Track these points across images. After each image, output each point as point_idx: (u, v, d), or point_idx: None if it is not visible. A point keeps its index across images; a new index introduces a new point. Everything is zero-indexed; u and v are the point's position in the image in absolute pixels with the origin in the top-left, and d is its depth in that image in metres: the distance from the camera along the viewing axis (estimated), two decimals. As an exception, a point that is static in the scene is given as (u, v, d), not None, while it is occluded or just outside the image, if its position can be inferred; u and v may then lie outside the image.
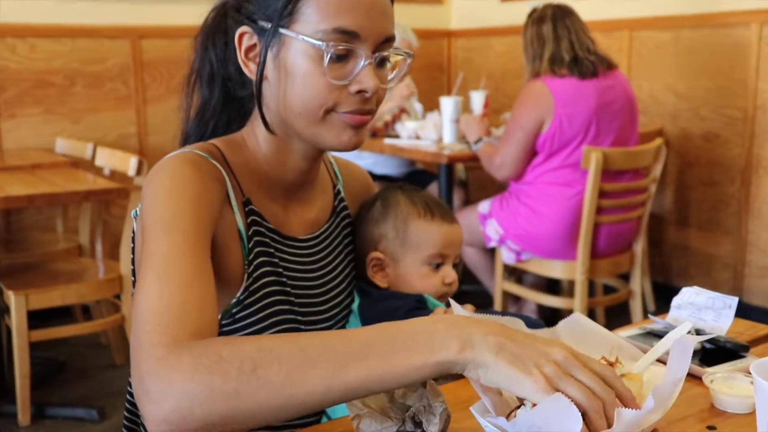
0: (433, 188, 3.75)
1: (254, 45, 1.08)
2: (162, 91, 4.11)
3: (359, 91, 1.05)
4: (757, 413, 0.77)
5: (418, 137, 3.61)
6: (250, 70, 1.09)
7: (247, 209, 1.11)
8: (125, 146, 3.92)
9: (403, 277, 1.28)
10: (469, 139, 3.32)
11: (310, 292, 1.19)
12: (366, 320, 1.22)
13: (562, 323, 1.04)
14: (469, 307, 1.18)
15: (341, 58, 1.03)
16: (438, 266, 1.28)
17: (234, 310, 1.09)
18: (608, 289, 3.79)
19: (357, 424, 0.91)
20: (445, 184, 3.42)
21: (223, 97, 1.17)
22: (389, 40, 1.07)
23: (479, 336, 0.78)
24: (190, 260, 0.93)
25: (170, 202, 0.99)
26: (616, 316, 3.63)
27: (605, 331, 1.03)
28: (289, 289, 1.16)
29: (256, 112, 1.13)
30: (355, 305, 1.26)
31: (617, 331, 1.19)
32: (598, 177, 2.94)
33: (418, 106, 3.92)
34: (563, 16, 3.05)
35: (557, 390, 0.74)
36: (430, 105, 4.15)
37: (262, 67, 1.07)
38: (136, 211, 1.11)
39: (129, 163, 2.98)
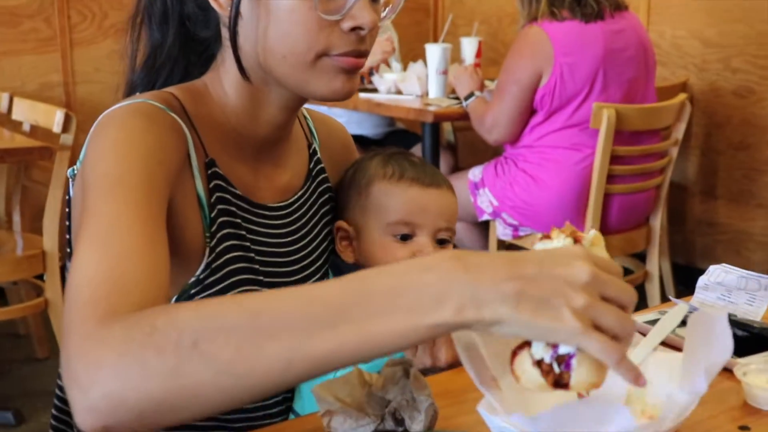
0: (416, 151, 3.74)
1: None
2: (93, 32, 4.08)
3: (354, 28, 1.05)
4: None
5: (399, 91, 3.60)
6: (219, 3, 1.07)
7: (209, 172, 1.11)
8: (49, 97, 3.87)
9: (366, 250, 1.26)
10: (459, 93, 3.32)
11: (281, 270, 1.19)
12: None
13: None
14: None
15: None
16: (405, 238, 1.25)
17: (192, 291, 1.08)
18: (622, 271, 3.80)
19: (328, 422, 0.91)
20: (430, 146, 3.42)
21: (180, 40, 1.16)
22: None
23: (488, 287, 0.73)
24: (138, 225, 0.92)
25: (117, 156, 0.98)
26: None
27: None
28: (257, 266, 1.15)
29: (222, 56, 1.13)
30: None
31: (633, 316, 1.20)
32: (609, 139, 2.94)
33: (396, 66, 3.89)
34: None
35: (594, 325, 0.73)
36: (414, 54, 4.14)
37: (238, 2, 1.06)
38: (74, 170, 1.11)
39: (54, 118, 2.96)
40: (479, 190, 3.25)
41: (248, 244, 1.15)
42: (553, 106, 3.04)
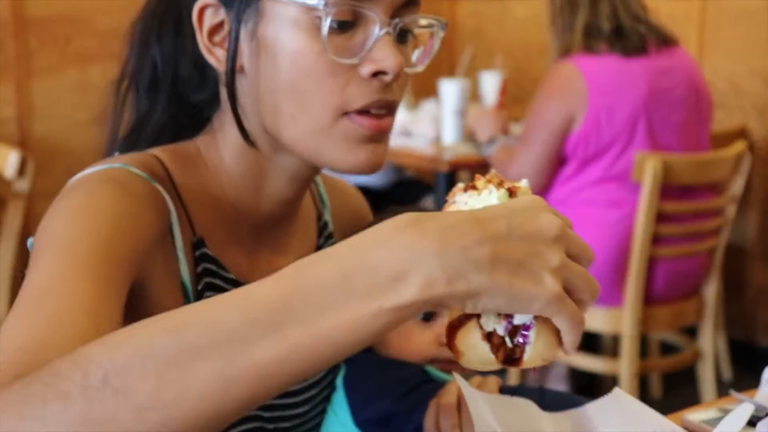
0: (427, 204, 3.75)
1: (221, 23, 1.06)
2: (54, 60, 4.10)
3: (376, 74, 1.01)
4: None
5: (408, 134, 3.62)
6: (216, 58, 1.07)
7: (197, 253, 1.10)
8: (0, 135, 3.90)
9: None
10: (479, 137, 3.33)
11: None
12: (356, 399, 1.21)
13: (596, 403, 1.05)
14: (493, 383, 1.17)
15: (345, 26, 1.01)
16: (428, 318, 1.23)
17: None
18: (668, 348, 3.81)
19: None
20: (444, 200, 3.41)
21: (171, 107, 1.16)
22: (411, 2, 1.04)
23: (456, 254, 0.72)
24: (79, 293, 0.90)
25: (72, 222, 0.98)
26: (678, 387, 3.63)
27: (654, 413, 1.03)
28: None
29: (221, 119, 1.12)
30: (339, 378, 1.25)
31: (684, 413, 1.19)
32: (655, 194, 2.95)
33: (406, 104, 3.91)
34: None
35: (569, 288, 0.75)
36: (427, 91, 4.16)
37: (234, 48, 1.05)
38: (32, 241, 1.08)
39: (6, 159, 2.97)
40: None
41: None
42: (588, 155, 3.05)
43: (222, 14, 1.05)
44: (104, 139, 1.20)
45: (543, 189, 3.15)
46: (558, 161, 3.11)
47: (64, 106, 4.09)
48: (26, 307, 0.88)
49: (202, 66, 1.10)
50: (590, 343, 3.72)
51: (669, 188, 3.00)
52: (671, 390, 3.60)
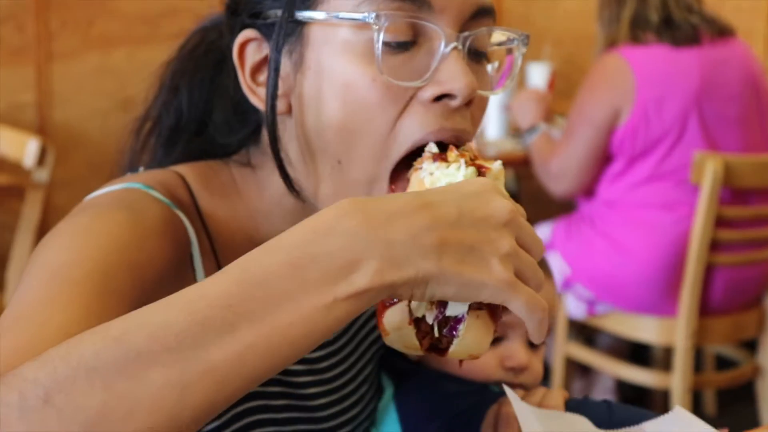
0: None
1: (265, 59, 1.01)
2: (75, 43, 4.12)
3: (440, 97, 0.95)
4: None
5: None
6: (259, 98, 1.02)
7: None
8: (18, 121, 3.90)
9: None
10: (520, 123, 3.35)
11: (314, 404, 1.16)
12: (410, 417, 1.21)
13: (654, 421, 1.06)
14: (559, 396, 1.16)
15: (404, 45, 0.95)
16: (495, 340, 1.23)
17: None
18: (724, 363, 3.78)
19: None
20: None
21: (190, 152, 1.14)
22: (484, 13, 0.98)
23: (404, 240, 0.74)
24: (63, 316, 0.84)
25: (69, 245, 0.93)
26: (734, 404, 3.62)
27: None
28: (278, 413, 1.12)
29: (262, 158, 1.07)
30: (387, 394, 1.25)
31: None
32: (715, 198, 2.93)
33: None
34: None
35: (518, 277, 0.76)
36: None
37: (274, 83, 1.00)
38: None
39: (25, 148, 2.99)
40: (548, 253, 3.24)
41: (273, 384, 1.11)
42: (636, 152, 3.05)
43: (265, 49, 1.01)
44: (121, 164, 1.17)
45: (585, 187, 3.16)
46: (603, 158, 3.12)
47: (85, 92, 4.10)
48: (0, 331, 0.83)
49: (243, 110, 1.07)
50: (640, 354, 3.71)
51: (731, 191, 2.99)
52: (727, 408, 3.58)
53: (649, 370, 3.35)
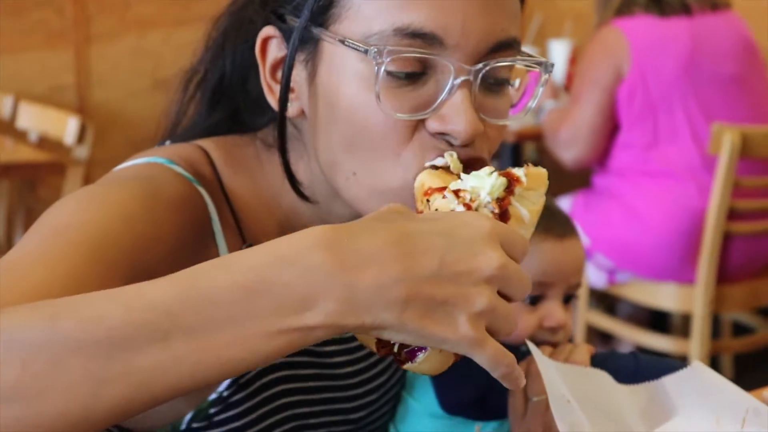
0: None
1: (284, 58, 0.95)
2: (113, 25, 4.13)
3: (441, 133, 0.89)
4: None
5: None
6: (274, 96, 0.98)
7: None
8: (59, 102, 3.93)
9: None
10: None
11: (341, 372, 1.13)
12: (445, 383, 1.18)
13: (674, 377, 1.05)
14: (585, 351, 1.14)
15: (412, 77, 0.89)
16: (534, 301, 1.21)
17: (211, 410, 1.02)
18: (741, 329, 3.78)
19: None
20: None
21: (228, 125, 1.10)
22: (505, 46, 0.91)
23: (369, 290, 0.69)
24: (50, 275, 0.80)
25: (78, 209, 0.90)
26: (751, 369, 3.61)
27: (734, 386, 1.03)
28: (306, 372, 1.10)
29: (292, 144, 1.02)
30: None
31: (764, 390, 1.18)
32: (732, 168, 2.91)
33: None
34: None
35: (489, 329, 0.73)
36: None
37: (284, 94, 0.96)
38: None
39: (65, 127, 3.00)
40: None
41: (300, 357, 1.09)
42: (638, 112, 3.06)
43: (284, 50, 0.96)
44: (164, 122, 1.13)
45: (597, 153, 3.17)
46: (611, 120, 3.12)
47: (122, 73, 4.12)
48: None
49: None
50: (659, 321, 3.70)
51: (748, 161, 2.97)
52: (744, 373, 3.57)
53: (668, 336, 3.34)
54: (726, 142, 2.89)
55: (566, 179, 3.96)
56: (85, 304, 0.68)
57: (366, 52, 0.87)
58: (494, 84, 0.92)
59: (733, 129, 2.90)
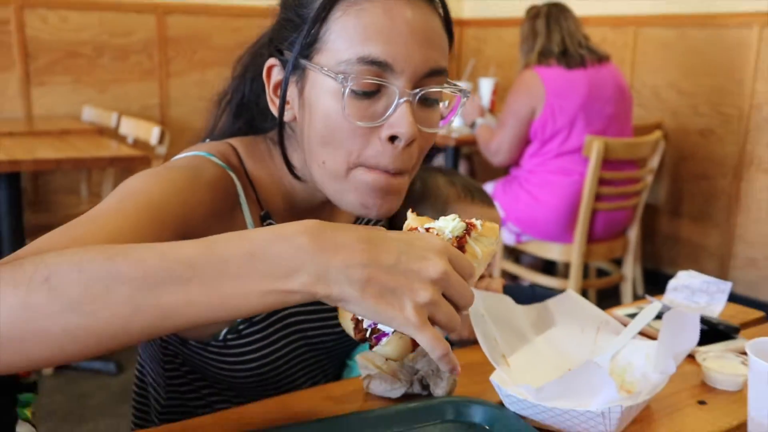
0: (439, 161, 3.75)
1: (282, 80, 0.92)
2: (184, 66, 4.11)
3: (391, 138, 0.86)
4: (748, 390, 0.78)
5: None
6: (275, 107, 0.94)
7: (265, 223, 0.99)
8: (148, 117, 3.91)
9: None
10: (465, 121, 3.34)
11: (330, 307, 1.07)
12: None
13: (554, 299, 1.05)
14: (498, 283, 1.13)
15: (369, 95, 0.85)
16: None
17: (241, 327, 0.99)
18: (601, 273, 3.79)
19: (367, 384, 0.92)
20: (451, 164, 3.45)
21: (246, 128, 1.06)
22: (437, 73, 0.87)
23: (339, 268, 0.65)
24: (121, 223, 0.79)
25: (144, 182, 0.87)
26: (607, 298, 3.63)
27: (594, 307, 1.04)
28: (306, 306, 1.05)
29: (288, 141, 0.99)
30: None
31: (613, 310, 1.20)
32: (598, 165, 2.94)
33: None
34: (557, 13, 3.06)
35: (430, 321, 0.67)
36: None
37: (282, 105, 0.93)
38: None
39: (151, 133, 3.00)
40: (490, 203, 3.25)
41: None
42: (546, 137, 3.03)
43: (282, 73, 0.92)
44: (206, 126, 1.10)
45: (514, 159, 3.16)
46: (524, 141, 3.10)
47: (189, 97, 4.10)
48: (71, 224, 0.78)
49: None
50: (549, 268, 3.73)
51: (608, 162, 2.98)
52: (602, 301, 3.60)
53: (554, 277, 3.36)
54: (594, 148, 2.91)
55: (492, 171, 3.97)
56: (134, 251, 0.66)
57: (336, 77, 0.84)
58: (427, 102, 0.88)
59: (599, 139, 2.92)
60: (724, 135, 3.67)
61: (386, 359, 0.88)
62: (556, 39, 3.01)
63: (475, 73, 4.04)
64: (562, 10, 3.08)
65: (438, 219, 0.78)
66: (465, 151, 4.12)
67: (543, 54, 3.01)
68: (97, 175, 3.71)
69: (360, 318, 0.74)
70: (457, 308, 0.69)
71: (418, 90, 0.86)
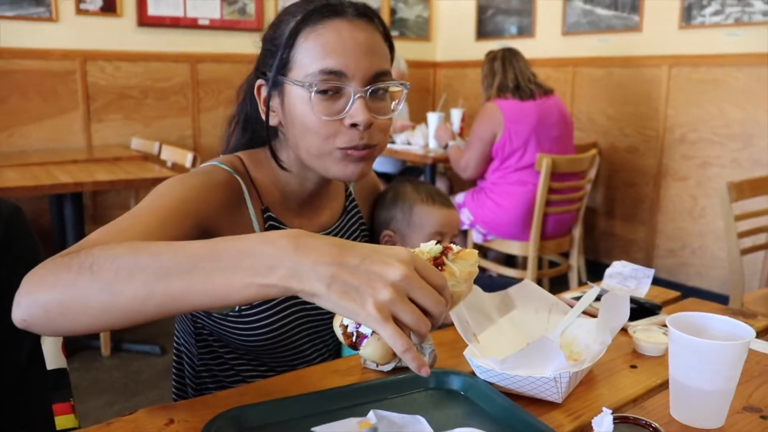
0: (421, 179, 3.75)
1: (268, 95, 0.96)
2: (212, 104, 4.10)
3: (353, 125, 0.91)
4: (669, 355, 0.78)
5: (409, 143, 3.60)
6: (264, 115, 0.98)
7: (266, 216, 1.01)
8: (183, 145, 3.92)
9: None
10: (439, 143, 3.34)
11: None
12: None
13: (514, 287, 1.04)
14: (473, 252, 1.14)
15: (331, 96, 0.90)
16: (438, 243, 1.19)
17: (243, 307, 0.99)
18: (552, 264, 3.78)
19: (364, 360, 0.91)
20: (429, 178, 3.43)
21: (253, 139, 1.07)
22: (382, 74, 0.93)
23: (309, 266, 0.62)
24: (150, 219, 0.81)
25: (169, 187, 0.90)
26: (558, 285, 3.63)
27: (546, 293, 1.04)
28: None
29: (280, 144, 1.02)
30: None
31: (562, 294, 1.20)
32: (547, 177, 2.94)
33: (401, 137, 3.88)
34: (511, 56, 3.07)
35: (392, 317, 0.61)
36: (419, 119, 4.14)
37: (267, 114, 0.96)
38: None
39: (186, 158, 2.98)
40: (461, 209, 3.24)
41: None
42: (505, 156, 3.02)
43: (267, 90, 0.96)
44: (222, 147, 1.11)
45: (480, 174, 3.14)
46: (488, 159, 3.09)
47: (217, 129, 4.08)
48: (116, 220, 0.81)
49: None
50: (510, 261, 3.72)
51: (555, 174, 2.98)
52: (554, 287, 3.60)
53: (514, 269, 3.36)
54: (544, 163, 2.91)
55: (463, 184, 3.98)
56: (154, 247, 0.67)
57: (304, 85, 0.90)
58: (378, 96, 0.93)
59: (547, 156, 2.92)
60: (646, 151, 3.69)
61: (376, 363, 0.84)
62: (510, 77, 3.02)
63: (446, 104, 4.05)
64: (515, 53, 3.09)
65: (419, 246, 0.74)
66: (440, 168, 4.12)
67: (500, 89, 3.02)
68: (143, 193, 3.67)
69: (346, 324, 0.71)
70: (428, 313, 0.63)
71: (368, 87, 0.91)
